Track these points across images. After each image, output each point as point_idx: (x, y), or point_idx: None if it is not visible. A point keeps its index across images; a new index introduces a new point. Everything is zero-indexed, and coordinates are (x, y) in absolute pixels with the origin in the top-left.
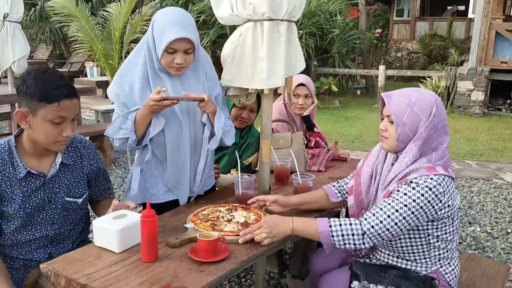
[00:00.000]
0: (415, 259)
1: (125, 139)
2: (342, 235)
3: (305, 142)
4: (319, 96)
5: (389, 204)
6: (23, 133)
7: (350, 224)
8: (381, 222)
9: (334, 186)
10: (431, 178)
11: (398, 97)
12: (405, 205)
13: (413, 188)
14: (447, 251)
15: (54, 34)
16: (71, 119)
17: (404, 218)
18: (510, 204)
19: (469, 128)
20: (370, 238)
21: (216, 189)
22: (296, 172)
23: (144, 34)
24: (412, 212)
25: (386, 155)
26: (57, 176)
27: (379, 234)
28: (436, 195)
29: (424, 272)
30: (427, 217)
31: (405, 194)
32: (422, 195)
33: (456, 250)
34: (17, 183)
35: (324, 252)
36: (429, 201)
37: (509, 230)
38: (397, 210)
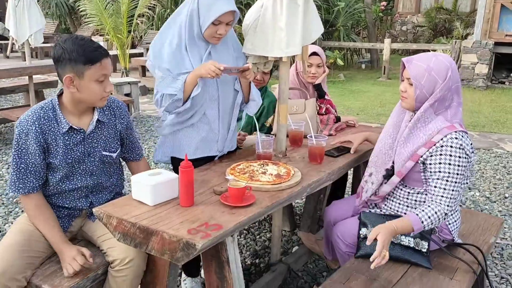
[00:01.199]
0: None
1: (173, 97)
2: (432, 223)
3: (317, 108)
4: None
5: (448, 172)
6: (64, 94)
7: (436, 212)
8: (453, 190)
9: None
10: (456, 137)
11: (417, 62)
12: (459, 165)
13: (451, 147)
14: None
15: (60, 8)
16: (109, 76)
17: (463, 175)
18: (509, 171)
19: (472, 101)
20: (451, 211)
21: (241, 148)
22: (308, 135)
23: (150, 9)
24: (465, 166)
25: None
26: (94, 132)
27: (455, 199)
28: (468, 148)
29: None
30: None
31: (451, 155)
32: (459, 148)
33: (459, 204)
34: (61, 137)
35: (337, 204)
36: (465, 152)
37: (506, 195)
38: (457, 174)
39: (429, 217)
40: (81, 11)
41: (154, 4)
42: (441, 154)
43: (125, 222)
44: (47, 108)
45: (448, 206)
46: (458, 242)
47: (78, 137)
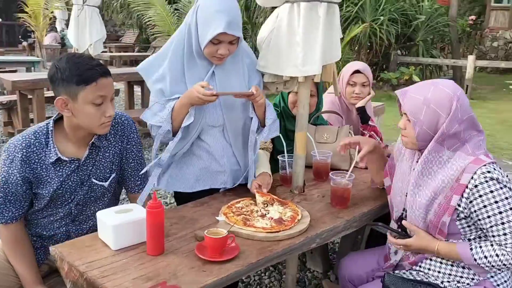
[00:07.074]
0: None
1: (158, 127)
2: (491, 266)
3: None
4: (399, 87)
5: (499, 212)
6: (63, 119)
7: (497, 255)
8: None
9: None
10: (489, 171)
11: (413, 94)
12: (506, 197)
13: (486, 182)
14: None
15: (140, 19)
16: (110, 98)
17: None
18: None
19: None
20: None
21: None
22: (331, 172)
23: None
24: None
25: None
26: (89, 159)
27: None
28: (504, 179)
29: (470, 282)
30: None
31: (492, 191)
32: (496, 180)
33: None
34: (51, 167)
35: (353, 257)
36: (504, 184)
37: None
38: (511, 208)
39: (485, 257)
40: (148, 24)
41: None
42: (480, 196)
43: (75, 269)
44: (40, 133)
45: None
46: None
47: (72, 166)
